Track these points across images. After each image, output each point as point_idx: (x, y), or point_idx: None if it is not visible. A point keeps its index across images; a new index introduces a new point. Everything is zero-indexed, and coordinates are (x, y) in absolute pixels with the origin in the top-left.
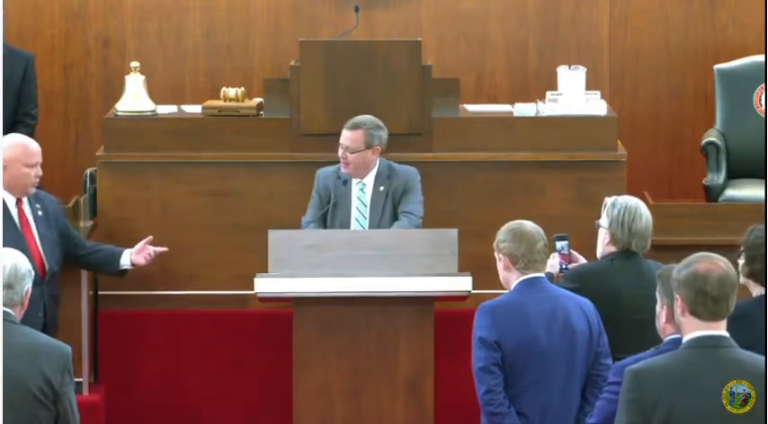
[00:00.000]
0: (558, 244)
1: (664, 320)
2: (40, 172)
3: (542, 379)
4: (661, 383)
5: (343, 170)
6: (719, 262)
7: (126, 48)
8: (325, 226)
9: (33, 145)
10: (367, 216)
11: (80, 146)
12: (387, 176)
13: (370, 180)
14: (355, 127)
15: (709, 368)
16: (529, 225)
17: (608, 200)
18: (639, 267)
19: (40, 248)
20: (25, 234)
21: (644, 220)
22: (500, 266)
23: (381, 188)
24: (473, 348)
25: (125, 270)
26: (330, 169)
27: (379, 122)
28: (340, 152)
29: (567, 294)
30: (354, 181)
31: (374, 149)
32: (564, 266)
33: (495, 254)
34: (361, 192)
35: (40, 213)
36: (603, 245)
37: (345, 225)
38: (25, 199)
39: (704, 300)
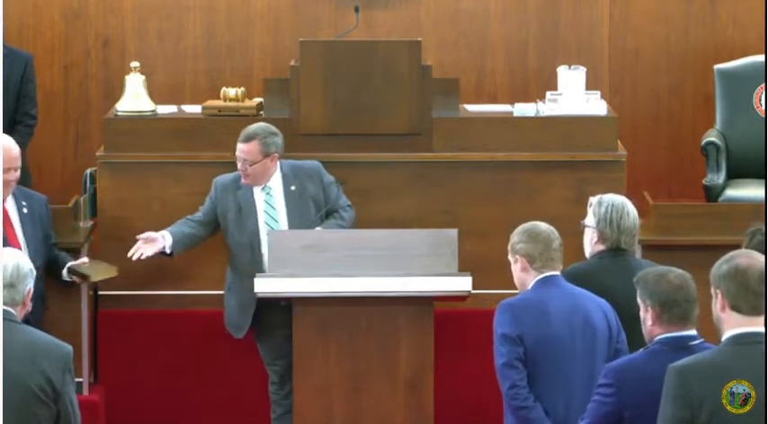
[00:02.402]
0: None
1: (650, 322)
2: (16, 175)
3: (564, 376)
4: (705, 379)
5: (243, 181)
6: (759, 258)
7: (126, 48)
8: (200, 229)
9: (13, 149)
10: (278, 218)
11: (80, 146)
12: (294, 175)
13: (275, 183)
14: (249, 138)
15: (750, 365)
16: (543, 225)
17: (593, 199)
18: (630, 264)
19: (24, 246)
20: (7, 232)
21: (631, 217)
22: (516, 268)
23: (292, 187)
24: (495, 345)
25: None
26: (228, 177)
27: (273, 128)
28: (239, 165)
29: (584, 292)
30: (258, 188)
31: (272, 157)
32: None
33: (510, 256)
34: (269, 196)
35: (25, 211)
36: (592, 245)
37: (255, 231)
38: (10, 197)
39: (746, 294)
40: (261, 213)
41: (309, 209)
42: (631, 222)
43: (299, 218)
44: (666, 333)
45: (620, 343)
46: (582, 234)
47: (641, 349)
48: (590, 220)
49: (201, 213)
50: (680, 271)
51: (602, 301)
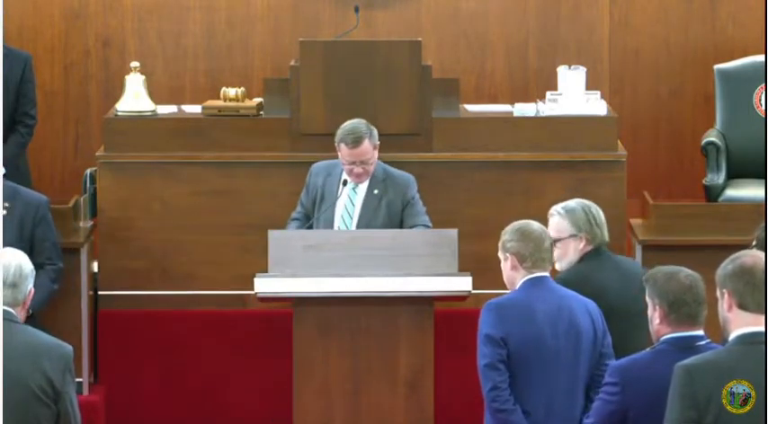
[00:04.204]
0: None
1: (657, 321)
2: None
3: (546, 378)
4: (713, 378)
5: (355, 181)
6: (762, 256)
7: (126, 48)
8: (308, 223)
9: None
10: (353, 215)
11: (80, 146)
12: (382, 179)
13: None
14: (360, 140)
15: (755, 365)
16: (535, 224)
17: (556, 210)
18: (618, 263)
19: None
20: None
21: (600, 211)
22: (506, 266)
23: (375, 191)
24: (478, 345)
25: None
26: (323, 163)
27: (364, 121)
28: (353, 168)
29: (572, 294)
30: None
31: (377, 147)
32: None
33: (500, 254)
34: (353, 192)
35: (4, 212)
36: (577, 252)
37: (329, 221)
38: None
39: (752, 291)
40: (340, 205)
41: (380, 215)
42: (602, 216)
43: (367, 221)
44: (673, 333)
45: (604, 347)
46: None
47: (648, 349)
48: (567, 230)
49: (301, 207)
50: (690, 271)
51: (590, 303)
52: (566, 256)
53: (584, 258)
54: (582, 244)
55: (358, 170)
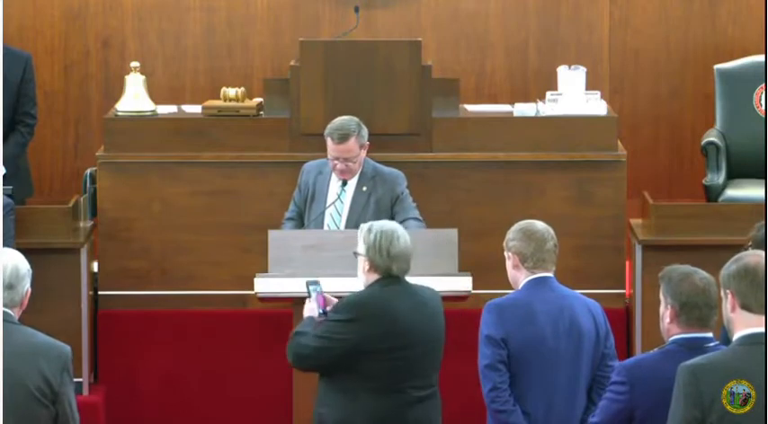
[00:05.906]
0: (313, 288)
1: (668, 320)
2: None
3: (547, 378)
4: (717, 378)
5: (341, 177)
6: (764, 256)
7: (126, 48)
8: (302, 221)
9: None
10: (341, 212)
11: (80, 146)
12: (371, 177)
13: (353, 178)
14: (346, 137)
15: (761, 365)
16: (539, 224)
17: (363, 226)
18: (405, 291)
19: None
20: None
21: (401, 244)
22: (509, 264)
23: (364, 188)
24: (479, 346)
25: None
26: (314, 162)
27: (356, 119)
28: (337, 164)
29: (574, 294)
30: (336, 178)
31: (365, 146)
32: (322, 311)
33: (505, 253)
34: (342, 191)
35: None
36: (363, 272)
37: (319, 220)
38: None
39: (755, 291)
40: (330, 203)
41: (369, 212)
42: (399, 247)
43: (356, 218)
44: (683, 334)
45: (607, 348)
46: (579, 233)
47: (656, 348)
48: (360, 248)
49: (294, 205)
50: (705, 274)
51: (592, 303)
52: (360, 271)
53: (373, 284)
54: (366, 266)
55: (341, 166)
